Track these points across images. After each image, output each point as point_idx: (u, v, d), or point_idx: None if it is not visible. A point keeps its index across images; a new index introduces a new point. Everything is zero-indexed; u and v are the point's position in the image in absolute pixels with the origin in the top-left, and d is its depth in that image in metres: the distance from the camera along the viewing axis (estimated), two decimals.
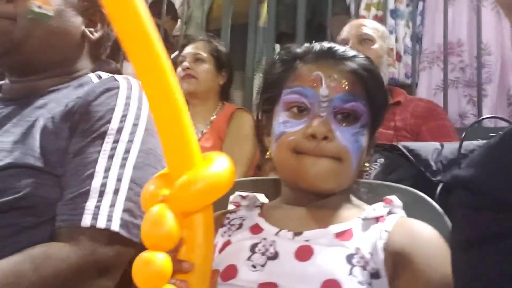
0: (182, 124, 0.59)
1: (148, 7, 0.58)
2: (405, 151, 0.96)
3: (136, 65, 0.57)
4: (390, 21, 2.15)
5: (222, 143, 1.72)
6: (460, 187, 0.55)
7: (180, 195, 0.56)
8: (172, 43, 2.63)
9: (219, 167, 0.59)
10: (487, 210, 0.49)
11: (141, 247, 0.78)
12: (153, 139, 0.78)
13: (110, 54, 1.02)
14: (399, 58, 2.11)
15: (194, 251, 0.58)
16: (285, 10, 2.30)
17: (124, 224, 0.70)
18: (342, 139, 0.67)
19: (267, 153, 0.77)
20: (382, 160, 0.94)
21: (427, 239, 0.64)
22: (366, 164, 0.74)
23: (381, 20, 2.08)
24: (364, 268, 0.62)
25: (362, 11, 2.18)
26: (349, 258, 0.62)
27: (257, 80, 2.33)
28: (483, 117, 1.24)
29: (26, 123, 0.78)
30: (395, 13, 2.18)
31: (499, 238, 0.47)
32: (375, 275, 0.62)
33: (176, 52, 2.04)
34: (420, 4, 2.18)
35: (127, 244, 0.72)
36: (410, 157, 0.94)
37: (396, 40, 2.12)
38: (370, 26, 1.60)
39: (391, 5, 2.17)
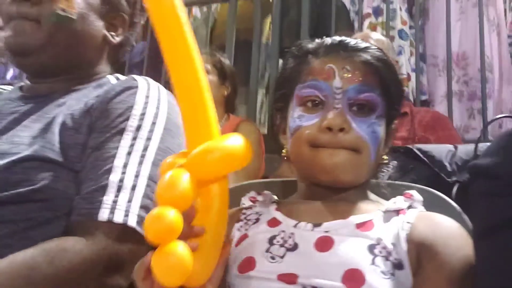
0: (203, 99, 0.60)
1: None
2: (419, 153, 0.96)
3: (164, 43, 0.59)
4: (399, 41, 2.18)
5: None
6: (479, 176, 0.55)
7: (196, 162, 0.56)
8: None
9: (236, 141, 0.59)
10: (507, 195, 0.49)
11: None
12: (171, 139, 0.78)
13: None
14: (409, 77, 2.13)
15: (208, 218, 0.57)
16: (288, 26, 2.33)
17: (140, 220, 0.69)
18: (359, 130, 0.66)
19: (283, 151, 0.76)
20: (396, 162, 0.93)
21: (450, 230, 0.63)
22: (385, 157, 0.73)
23: (392, 40, 2.11)
24: (386, 258, 0.60)
25: (366, 30, 2.21)
26: (371, 248, 0.61)
27: (260, 96, 2.34)
28: (498, 116, 1.25)
29: (45, 119, 0.78)
30: (401, 34, 2.22)
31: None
32: (398, 265, 0.60)
33: None
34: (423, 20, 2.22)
35: (141, 242, 0.70)
36: (424, 158, 0.93)
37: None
38: (375, 38, 1.62)
39: (398, 25, 2.20)
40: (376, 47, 0.72)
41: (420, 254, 0.61)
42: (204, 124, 0.59)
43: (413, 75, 2.15)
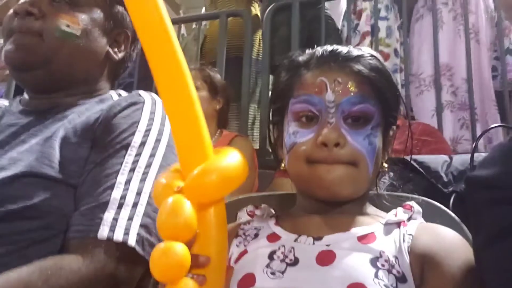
0: (195, 117, 0.58)
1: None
2: (414, 164, 0.96)
3: (152, 63, 0.57)
4: (395, 59, 2.20)
5: None
6: (479, 187, 0.55)
7: (197, 184, 0.54)
8: None
9: (233, 159, 0.58)
10: (509, 203, 0.49)
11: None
12: (173, 156, 0.77)
13: None
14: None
15: (210, 245, 0.55)
16: (278, 42, 2.35)
17: (140, 240, 0.68)
18: (355, 143, 0.65)
19: (282, 165, 0.76)
20: (391, 174, 0.93)
21: (453, 241, 0.63)
22: (384, 164, 0.72)
23: (388, 57, 2.14)
24: (389, 271, 0.60)
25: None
26: (374, 261, 0.60)
27: (252, 111, 2.35)
28: (492, 126, 1.26)
29: (45, 134, 0.76)
30: (396, 52, 2.23)
31: None
32: (401, 279, 0.59)
33: None
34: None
35: (139, 262, 0.69)
36: (420, 169, 0.93)
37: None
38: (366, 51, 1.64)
39: (394, 43, 2.22)
40: (369, 55, 0.70)
41: (423, 265, 0.60)
42: (198, 143, 0.57)
43: (402, 91, 2.17)
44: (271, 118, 0.79)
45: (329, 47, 0.71)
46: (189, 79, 0.58)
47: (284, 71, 0.74)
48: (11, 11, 0.83)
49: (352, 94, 0.66)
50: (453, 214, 0.75)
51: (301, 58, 0.72)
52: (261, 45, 2.44)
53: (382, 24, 2.23)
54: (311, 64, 0.70)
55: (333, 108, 0.66)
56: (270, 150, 0.80)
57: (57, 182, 0.70)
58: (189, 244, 0.53)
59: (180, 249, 0.48)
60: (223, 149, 0.61)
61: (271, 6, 2.41)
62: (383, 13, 2.25)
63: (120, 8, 0.91)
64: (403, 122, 1.64)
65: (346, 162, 0.65)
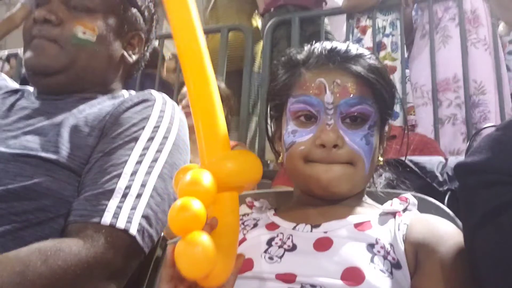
0: (218, 115, 0.61)
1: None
2: (411, 164, 0.97)
3: (185, 68, 0.62)
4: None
5: None
6: (467, 172, 0.57)
7: (217, 167, 0.56)
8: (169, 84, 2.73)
9: (251, 156, 0.61)
10: (500, 184, 0.51)
11: (145, 260, 0.77)
12: (178, 154, 0.79)
13: None
14: (411, 109, 2.17)
15: (224, 222, 0.56)
16: (278, 56, 2.39)
17: (140, 230, 0.69)
18: (352, 144, 0.67)
19: (279, 158, 0.77)
20: (388, 174, 0.94)
21: (446, 229, 0.64)
22: (380, 159, 0.74)
23: (395, 70, 2.18)
24: (385, 257, 0.61)
25: None
26: (370, 247, 0.61)
27: (254, 124, 2.38)
28: (484, 126, 1.27)
29: (54, 121, 0.78)
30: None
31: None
32: (396, 265, 0.60)
33: None
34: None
35: (136, 254, 0.70)
36: (416, 169, 0.95)
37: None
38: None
39: (400, 56, 2.26)
40: (368, 54, 0.72)
41: (418, 253, 0.61)
42: (220, 136, 0.60)
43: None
44: (269, 112, 0.80)
45: (327, 45, 0.72)
46: (213, 80, 0.63)
47: (282, 68, 0.75)
48: (31, 19, 0.86)
49: (350, 95, 0.67)
50: (447, 209, 0.76)
51: (299, 57, 0.73)
52: (262, 58, 2.48)
53: (387, 40, 2.28)
54: (310, 63, 0.71)
55: (332, 110, 0.67)
56: (271, 147, 0.82)
57: (58, 166, 0.71)
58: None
59: (196, 203, 0.49)
60: (239, 149, 0.64)
61: (271, 21, 2.46)
62: (388, 30, 2.30)
63: (134, 10, 0.93)
64: (400, 132, 1.67)
65: (344, 162, 0.67)
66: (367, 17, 2.36)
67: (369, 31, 2.32)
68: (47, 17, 0.83)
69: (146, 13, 0.97)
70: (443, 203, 0.85)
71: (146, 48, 0.99)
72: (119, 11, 0.90)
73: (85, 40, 0.85)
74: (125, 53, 0.93)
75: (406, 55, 2.27)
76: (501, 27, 2.17)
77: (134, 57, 0.95)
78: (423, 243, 0.61)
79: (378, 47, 2.26)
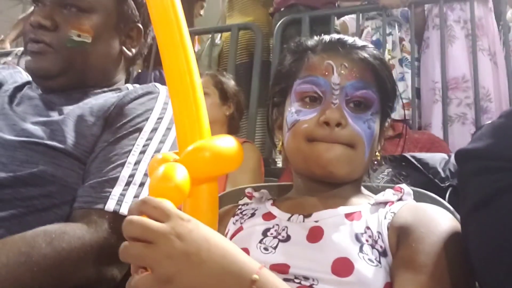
0: (196, 99, 0.60)
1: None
2: (413, 160, 0.97)
3: (162, 50, 0.61)
4: (400, 68, 2.26)
5: (227, 176, 1.71)
6: (467, 158, 0.57)
7: (191, 158, 0.56)
8: None
9: (228, 142, 0.60)
10: (501, 170, 0.51)
11: None
12: None
13: None
14: (408, 105, 2.17)
15: (199, 218, 0.54)
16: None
17: None
18: (355, 126, 0.68)
19: (278, 146, 0.78)
20: (390, 170, 0.94)
21: (431, 212, 0.64)
22: (378, 154, 0.74)
23: (393, 67, 2.19)
24: (373, 246, 0.61)
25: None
26: (359, 236, 0.62)
27: (260, 117, 2.38)
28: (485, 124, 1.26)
29: (59, 111, 0.81)
30: (401, 62, 2.29)
31: (508, 190, 0.49)
32: (383, 253, 0.61)
33: None
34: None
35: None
36: (418, 165, 0.95)
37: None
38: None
39: (399, 54, 2.28)
40: (372, 46, 0.74)
41: (399, 236, 0.61)
42: (195, 124, 0.59)
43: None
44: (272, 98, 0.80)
45: (336, 35, 0.75)
46: (194, 67, 0.61)
47: (290, 54, 0.76)
48: (28, 22, 0.87)
49: (356, 79, 0.69)
50: (447, 203, 0.76)
51: (309, 43, 0.75)
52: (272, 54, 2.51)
53: (388, 39, 2.31)
54: (318, 48, 0.73)
55: (338, 90, 0.68)
56: (269, 137, 0.82)
57: (64, 154, 0.74)
58: None
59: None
60: (221, 135, 0.63)
61: (282, 20, 2.48)
62: (387, 30, 2.32)
63: (129, 2, 0.93)
64: (407, 131, 1.67)
65: (345, 143, 0.67)
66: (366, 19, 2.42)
67: (365, 31, 2.38)
68: (42, 22, 0.84)
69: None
70: (444, 199, 0.85)
71: (145, 37, 0.99)
72: (113, 7, 0.90)
73: (80, 42, 0.85)
74: (124, 48, 0.93)
75: (401, 56, 2.29)
76: (510, 13, 2.15)
77: (134, 50, 0.95)
78: (404, 226, 0.62)
79: (376, 45, 2.27)
